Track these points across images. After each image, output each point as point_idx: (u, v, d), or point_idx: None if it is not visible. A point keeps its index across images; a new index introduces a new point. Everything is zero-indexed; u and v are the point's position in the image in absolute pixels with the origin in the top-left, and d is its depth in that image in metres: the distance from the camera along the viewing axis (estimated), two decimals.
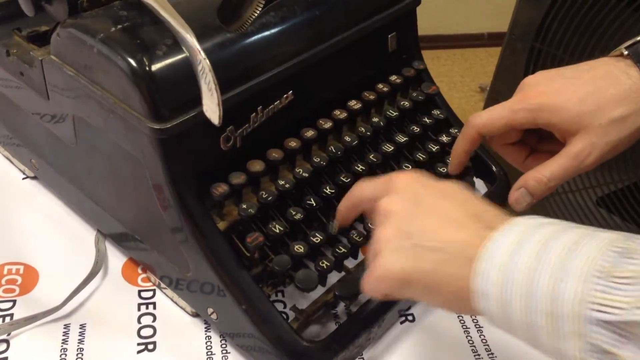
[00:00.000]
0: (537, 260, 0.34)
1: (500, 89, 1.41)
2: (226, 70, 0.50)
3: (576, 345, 0.32)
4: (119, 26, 0.48)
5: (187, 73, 0.46)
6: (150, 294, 0.58)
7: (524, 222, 0.36)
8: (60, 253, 0.61)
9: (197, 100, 0.46)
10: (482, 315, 0.37)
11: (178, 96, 0.48)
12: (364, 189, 0.45)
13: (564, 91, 0.48)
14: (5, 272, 0.58)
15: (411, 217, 0.40)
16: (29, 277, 0.58)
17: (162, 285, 0.58)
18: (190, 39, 0.45)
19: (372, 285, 0.41)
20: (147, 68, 0.47)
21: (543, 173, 0.49)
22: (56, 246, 0.61)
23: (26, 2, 0.53)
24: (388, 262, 0.39)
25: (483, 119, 0.51)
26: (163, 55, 0.47)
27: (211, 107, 0.45)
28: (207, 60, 0.44)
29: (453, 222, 0.39)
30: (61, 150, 0.59)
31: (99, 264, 0.59)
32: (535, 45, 1.28)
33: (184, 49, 0.46)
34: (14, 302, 0.55)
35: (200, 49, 0.44)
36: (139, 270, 0.60)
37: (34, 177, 0.67)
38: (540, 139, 0.54)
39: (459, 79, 2.09)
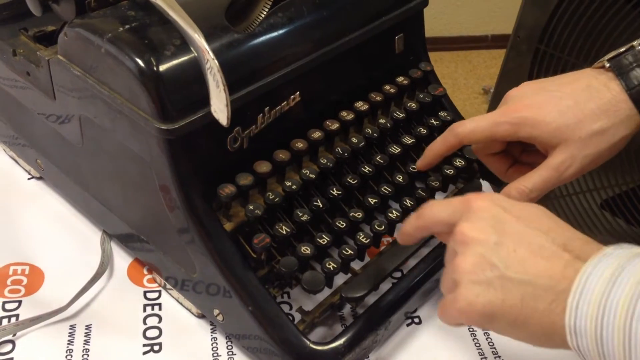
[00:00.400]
0: (636, 294, 0.32)
1: (505, 91, 1.39)
2: (234, 70, 0.50)
3: None
4: (127, 26, 0.48)
5: (194, 73, 0.46)
6: (155, 295, 0.58)
7: (617, 253, 0.35)
8: (65, 253, 0.60)
9: (205, 101, 0.46)
10: (576, 352, 0.35)
11: (186, 97, 0.48)
12: (437, 211, 0.43)
13: (546, 105, 0.49)
14: (10, 272, 0.58)
15: (494, 246, 0.38)
16: (34, 278, 0.58)
17: (168, 286, 0.58)
18: (199, 38, 0.44)
19: (452, 317, 0.40)
20: (155, 68, 0.46)
21: (525, 184, 0.50)
22: (62, 246, 0.61)
23: (34, 2, 0.53)
24: (471, 294, 0.38)
25: (466, 128, 0.52)
26: (171, 55, 0.47)
27: (219, 108, 0.45)
28: (216, 60, 0.44)
29: (540, 252, 0.37)
30: (67, 151, 0.59)
31: (105, 265, 0.59)
32: (540, 47, 1.28)
33: (192, 49, 0.46)
34: (20, 302, 0.55)
35: (208, 48, 0.44)
36: (145, 271, 0.60)
37: (40, 178, 0.67)
38: (523, 150, 0.55)
39: (462, 80, 2.09)
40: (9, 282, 0.57)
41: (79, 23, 0.49)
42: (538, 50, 1.28)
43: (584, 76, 0.51)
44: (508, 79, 1.39)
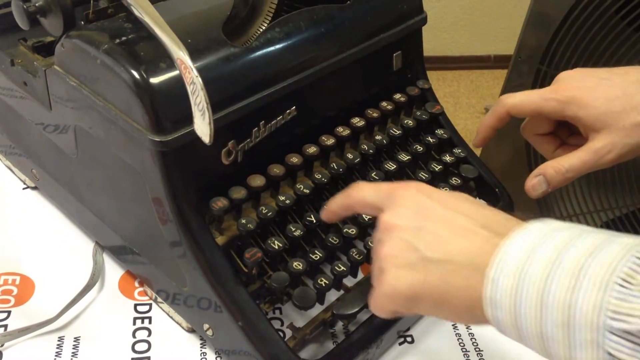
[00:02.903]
0: (552, 267, 0.33)
1: None
2: (230, 84, 0.50)
3: (592, 355, 0.31)
4: (123, 38, 0.48)
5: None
6: (146, 308, 0.58)
7: (537, 227, 0.35)
8: (57, 264, 0.60)
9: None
10: (493, 324, 0.36)
11: (180, 109, 0.48)
12: (364, 193, 0.44)
13: (595, 90, 0.50)
14: (1, 282, 0.58)
15: (416, 230, 0.39)
16: (24, 288, 0.57)
17: (159, 299, 0.58)
18: (183, 56, 0.43)
19: (380, 304, 0.41)
20: (150, 80, 0.46)
21: (562, 163, 0.51)
22: (54, 257, 0.61)
23: (21, 16, 0.53)
24: (394, 278, 0.39)
25: (515, 100, 0.53)
26: (166, 68, 0.47)
27: (202, 126, 0.44)
28: (199, 78, 0.43)
29: (460, 232, 0.38)
30: (62, 161, 0.59)
31: (96, 277, 0.58)
32: (541, 68, 1.28)
33: (175, 66, 0.45)
34: (9, 312, 0.55)
35: (192, 66, 0.43)
36: (136, 284, 0.60)
37: (35, 188, 0.67)
38: (570, 134, 0.56)
39: (465, 99, 2.09)
40: None
41: (76, 34, 0.50)
42: (539, 71, 1.29)
43: (634, 71, 0.52)
44: None
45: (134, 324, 0.56)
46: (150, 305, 0.58)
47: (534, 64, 1.29)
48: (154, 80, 0.47)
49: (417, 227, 0.39)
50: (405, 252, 0.38)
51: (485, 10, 2.06)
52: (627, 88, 0.50)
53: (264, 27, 0.63)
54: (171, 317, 0.57)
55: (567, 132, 0.56)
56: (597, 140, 0.50)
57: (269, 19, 0.63)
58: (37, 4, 0.52)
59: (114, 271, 0.60)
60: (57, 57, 0.51)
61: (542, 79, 1.29)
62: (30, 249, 0.61)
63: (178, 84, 0.47)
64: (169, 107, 0.47)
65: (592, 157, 0.50)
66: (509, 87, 1.38)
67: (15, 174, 0.69)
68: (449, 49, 2.03)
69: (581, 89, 0.51)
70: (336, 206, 0.47)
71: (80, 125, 0.54)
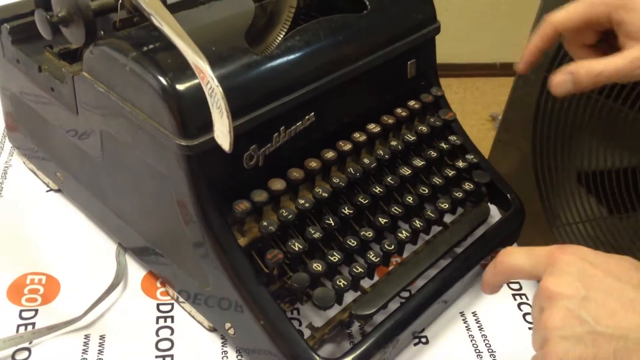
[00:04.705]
0: None
1: (513, 118, 1.42)
2: (252, 91, 0.52)
3: None
4: (151, 46, 0.50)
5: None
6: (168, 307, 0.59)
7: None
8: (81, 264, 0.62)
9: None
10: None
11: (204, 115, 0.49)
12: (517, 260, 0.42)
13: None
14: (27, 281, 0.59)
15: (583, 301, 0.37)
16: (50, 288, 0.59)
17: (180, 299, 0.59)
18: (203, 65, 0.45)
19: None
20: (177, 87, 0.48)
21: (595, 66, 0.50)
22: (77, 258, 0.62)
23: (44, 26, 0.55)
24: (561, 350, 0.37)
25: (561, 13, 0.53)
26: (191, 75, 0.49)
27: (222, 133, 0.46)
28: (220, 88, 0.44)
29: (632, 306, 0.36)
30: (87, 164, 0.61)
31: (119, 277, 0.60)
32: (547, 76, 1.30)
33: (196, 74, 0.47)
34: (36, 311, 0.57)
35: (212, 75, 0.44)
36: (158, 284, 0.61)
37: (58, 190, 0.69)
38: (612, 49, 0.54)
39: (470, 107, 2.11)
40: (26, 291, 0.58)
41: (105, 42, 0.51)
42: (546, 79, 1.30)
43: None
44: (516, 107, 1.40)
45: (157, 322, 0.58)
46: (172, 304, 0.60)
47: (541, 72, 1.30)
48: (181, 86, 0.48)
49: (583, 297, 0.38)
50: (572, 323, 0.37)
51: (491, 19, 2.08)
52: None
53: (281, 35, 0.65)
54: (193, 317, 0.58)
55: (609, 47, 0.54)
56: (635, 49, 0.49)
57: (287, 27, 0.65)
58: (59, 15, 0.53)
59: (136, 272, 0.62)
60: (85, 64, 0.53)
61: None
62: (54, 250, 0.63)
63: (202, 90, 0.49)
64: (194, 112, 0.49)
65: (627, 65, 0.49)
66: (516, 95, 1.39)
67: (39, 177, 0.70)
68: (455, 57, 2.05)
69: None
70: (491, 278, 0.46)
71: (106, 129, 0.55)
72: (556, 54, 1.28)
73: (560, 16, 0.53)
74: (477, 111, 2.10)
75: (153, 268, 0.61)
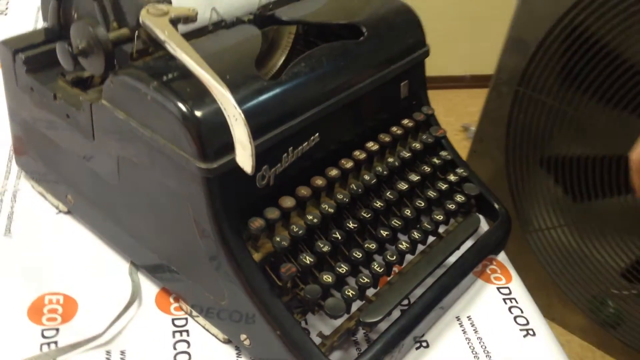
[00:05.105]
0: None
1: (487, 130, 1.49)
2: (264, 115, 0.55)
3: None
4: (170, 75, 0.53)
5: None
6: (183, 322, 0.62)
7: None
8: (95, 283, 0.64)
9: None
10: None
11: (222, 139, 0.53)
12: None
13: None
14: (46, 302, 0.62)
15: None
16: (69, 307, 0.61)
17: (194, 313, 0.62)
18: (227, 94, 0.48)
19: None
20: (196, 113, 0.52)
21: None
22: (91, 277, 0.65)
23: (66, 59, 0.57)
24: None
25: None
26: (209, 102, 0.52)
27: (245, 158, 0.49)
28: (242, 115, 0.47)
29: None
30: (100, 187, 0.63)
31: (135, 294, 0.63)
32: (519, 89, 1.37)
33: (218, 103, 0.50)
34: (57, 330, 0.59)
35: (235, 104, 0.48)
36: (171, 300, 0.64)
37: (67, 212, 0.71)
38: None
39: (442, 118, 2.15)
40: (45, 311, 0.61)
41: (125, 72, 0.54)
42: (518, 92, 1.37)
43: None
44: (490, 119, 1.47)
45: (173, 337, 0.60)
46: (187, 319, 0.62)
47: (513, 85, 1.37)
48: (200, 113, 0.52)
49: None
50: None
51: (460, 33, 2.15)
52: None
53: (282, 59, 0.69)
54: (207, 330, 0.61)
55: None
56: None
57: (287, 51, 0.69)
58: (80, 47, 0.56)
59: (150, 288, 0.65)
60: (105, 92, 0.56)
61: (520, 100, 1.37)
62: (69, 270, 0.65)
63: (220, 116, 0.53)
64: (212, 137, 0.52)
65: None
66: (489, 108, 1.46)
67: (48, 200, 0.72)
68: (428, 70, 2.10)
69: None
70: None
71: (123, 154, 0.58)
72: (526, 69, 1.35)
73: None
74: (450, 122, 2.17)
75: (167, 285, 0.64)
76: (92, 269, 0.66)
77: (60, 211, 0.72)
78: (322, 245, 0.58)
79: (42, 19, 0.64)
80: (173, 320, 0.62)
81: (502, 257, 0.74)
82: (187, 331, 0.61)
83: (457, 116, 2.20)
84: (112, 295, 0.63)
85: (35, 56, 0.63)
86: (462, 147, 2.06)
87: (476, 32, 2.22)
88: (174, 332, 0.61)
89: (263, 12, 0.66)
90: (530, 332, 0.65)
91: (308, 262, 0.57)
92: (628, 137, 1.14)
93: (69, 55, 0.56)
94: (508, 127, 1.43)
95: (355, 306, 0.61)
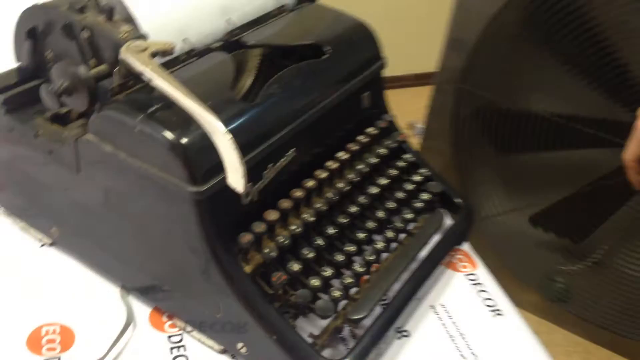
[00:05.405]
0: None
1: (433, 126, 1.56)
2: (246, 136, 0.59)
3: None
4: (154, 107, 0.57)
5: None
6: (179, 338, 0.65)
7: None
8: (89, 310, 0.66)
9: (222, 166, 0.54)
10: None
11: (209, 162, 0.57)
12: None
13: None
14: (43, 332, 0.63)
15: None
16: (66, 335, 0.64)
17: (188, 328, 0.65)
18: (216, 121, 0.51)
19: None
20: (184, 141, 0.55)
21: None
22: (84, 304, 0.67)
23: (52, 99, 0.59)
24: None
25: None
26: (195, 128, 0.56)
27: (236, 180, 0.53)
28: (232, 140, 0.51)
29: None
30: (86, 217, 0.66)
31: (130, 317, 0.65)
32: (461, 86, 1.45)
33: (206, 131, 0.53)
34: (59, 358, 0.61)
35: (224, 130, 0.52)
36: (164, 318, 0.67)
37: (51, 244, 0.73)
38: None
39: None
40: (44, 341, 0.62)
41: (111, 107, 0.57)
42: (460, 89, 1.45)
43: None
44: (435, 116, 1.55)
45: (171, 353, 0.63)
46: (182, 334, 0.65)
47: (455, 83, 1.45)
48: (187, 140, 0.55)
49: None
50: None
51: (403, 35, 2.23)
52: None
53: (250, 80, 0.73)
54: (203, 343, 0.65)
55: None
56: None
57: (254, 73, 0.74)
58: (63, 86, 0.59)
59: (142, 309, 0.67)
60: (91, 127, 0.59)
61: (462, 96, 1.45)
62: (61, 300, 0.67)
63: (205, 140, 0.56)
64: (200, 161, 0.56)
65: None
66: (434, 106, 1.54)
67: (31, 234, 0.74)
68: None
69: None
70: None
71: (111, 184, 0.61)
72: (466, 67, 1.43)
73: None
74: (397, 121, 2.24)
75: (159, 304, 0.67)
76: (84, 296, 0.68)
77: (44, 244, 0.73)
78: (307, 252, 0.63)
79: (16, 58, 0.66)
80: (169, 337, 0.65)
81: (466, 247, 0.80)
82: (183, 346, 0.64)
83: (403, 114, 2.27)
84: (106, 320, 0.65)
85: (13, 97, 0.65)
86: (410, 143, 2.13)
87: (417, 32, 2.31)
88: (172, 348, 0.64)
89: (230, 38, 0.70)
90: (499, 312, 0.72)
91: (296, 269, 0.61)
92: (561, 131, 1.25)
93: (54, 96, 0.58)
94: (453, 123, 1.51)
95: (339, 305, 0.65)
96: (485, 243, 1.54)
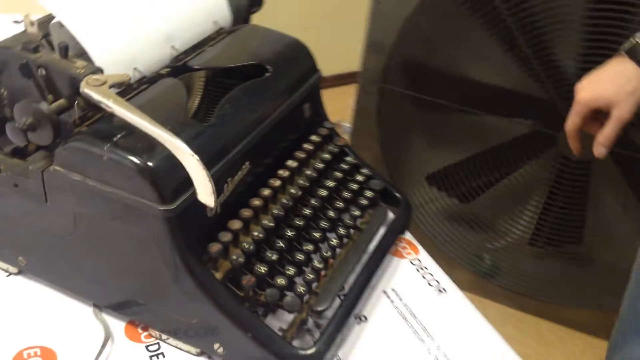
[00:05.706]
0: None
1: (361, 125, 1.65)
2: (206, 155, 0.64)
3: None
4: (119, 135, 0.61)
5: (180, 162, 0.59)
6: (156, 346, 0.70)
7: None
8: (65, 330, 0.69)
9: (188, 183, 0.59)
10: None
11: (175, 182, 0.61)
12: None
13: None
14: (25, 356, 0.66)
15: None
16: (48, 356, 0.67)
17: (164, 336, 0.70)
18: (182, 145, 0.56)
19: None
20: (150, 164, 0.60)
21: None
22: (59, 325, 0.70)
23: (17, 135, 0.62)
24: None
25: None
26: (160, 151, 0.61)
27: (206, 197, 0.58)
28: (200, 161, 0.56)
29: None
30: (56, 243, 0.68)
31: (108, 333, 0.69)
32: (382, 86, 1.54)
33: (173, 153, 0.58)
34: None
35: (191, 152, 0.57)
36: (140, 330, 0.71)
37: (18, 273, 0.75)
38: None
39: None
40: None
41: (76, 139, 0.61)
42: (381, 88, 1.54)
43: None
44: (362, 115, 1.64)
45: None
46: (159, 343, 0.70)
47: (377, 83, 1.54)
48: (153, 163, 0.60)
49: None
50: None
51: (321, 38, 2.31)
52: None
53: (197, 101, 0.78)
54: (180, 348, 0.69)
55: None
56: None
57: (200, 94, 0.79)
58: (27, 123, 0.62)
59: (117, 324, 0.71)
60: (57, 158, 0.62)
61: (386, 95, 1.55)
62: (38, 323, 0.70)
63: (170, 161, 0.61)
64: (168, 181, 0.61)
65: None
66: (360, 105, 1.62)
67: None
68: None
69: None
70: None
71: (80, 210, 0.64)
72: (386, 66, 1.52)
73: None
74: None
75: (134, 317, 0.71)
76: (58, 317, 0.71)
77: (10, 273, 0.75)
78: (271, 255, 0.69)
79: None
80: (147, 346, 0.69)
81: (408, 235, 0.89)
82: (162, 353, 0.69)
83: (330, 114, 2.36)
84: (84, 338, 0.69)
85: None
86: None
87: (334, 35, 2.40)
88: (151, 356, 0.68)
89: (176, 63, 0.75)
90: (442, 290, 0.81)
91: (263, 271, 0.67)
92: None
93: (20, 132, 0.61)
94: (378, 120, 1.61)
95: (304, 299, 0.71)
96: (420, 230, 1.65)
